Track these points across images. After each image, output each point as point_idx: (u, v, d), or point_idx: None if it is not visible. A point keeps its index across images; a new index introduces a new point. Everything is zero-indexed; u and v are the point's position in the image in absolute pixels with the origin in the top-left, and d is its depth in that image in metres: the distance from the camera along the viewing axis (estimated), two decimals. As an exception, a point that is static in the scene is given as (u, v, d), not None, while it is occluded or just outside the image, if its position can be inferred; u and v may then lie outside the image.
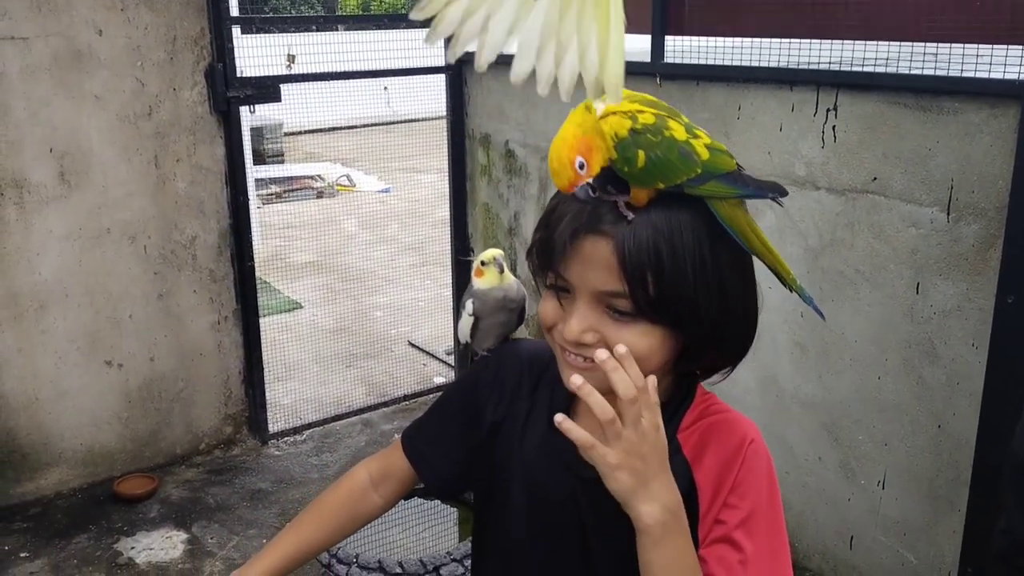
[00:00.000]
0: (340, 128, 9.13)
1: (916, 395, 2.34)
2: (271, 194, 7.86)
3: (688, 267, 0.85)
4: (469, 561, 1.19)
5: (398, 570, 1.74)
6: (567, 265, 0.87)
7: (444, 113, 3.92)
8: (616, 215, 0.85)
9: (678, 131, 0.85)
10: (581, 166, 0.84)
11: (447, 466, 1.12)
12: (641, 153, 0.83)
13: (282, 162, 9.34)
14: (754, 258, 0.91)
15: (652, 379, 0.82)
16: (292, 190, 8.07)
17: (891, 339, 2.36)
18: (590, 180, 0.84)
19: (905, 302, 2.31)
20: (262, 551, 1.12)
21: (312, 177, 8.43)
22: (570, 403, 0.99)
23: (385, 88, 7.77)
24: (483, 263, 1.07)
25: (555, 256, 0.87)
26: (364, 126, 8.58)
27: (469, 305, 1.04)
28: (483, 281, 1.06)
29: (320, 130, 9.91)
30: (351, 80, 3.64)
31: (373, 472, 1.17)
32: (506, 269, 1.07)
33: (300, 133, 10.30)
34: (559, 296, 0.90)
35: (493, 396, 1.07)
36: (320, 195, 8.10)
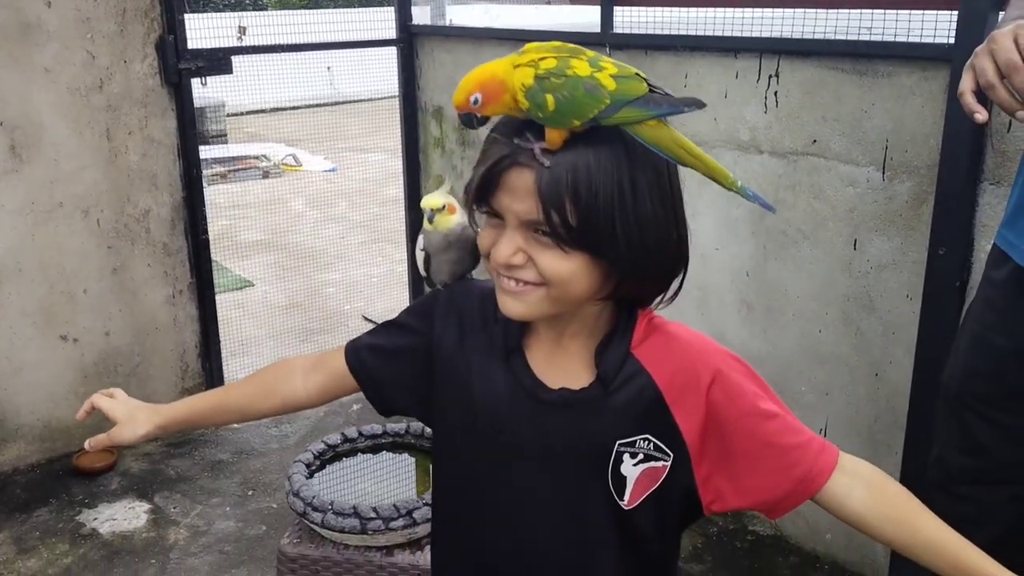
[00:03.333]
0: (283, 108, 9.05)
1: (854, 346, 2.47)
2: (215, 174, 7.78)
3: (604, 196, 0.90)
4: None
5: (372, 514, 1.80)
6: (497, 196, 0.94)
7: (389, 93, 3.93)
8: (540, 149, 0.91)
9: (581, 68, 0.91)
10: (475, 101, 0.92)
11: (386, 379, 1.18)
12: (549, 97, 0.88)
13: (226, 143, 9.23)
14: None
15: None
16: (237, 170, 7.99)
17: (831, 294, 2.49)
18: (476, 114, 0.94)
19: (843, 258, 2.44)
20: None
21: (257, 157, 8.36)
22: (522, 337, 1.06)
23: (328, 68, 7.73)
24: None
25: (487, 188, 0.94)
26: (308, 107, 8.51)
27: (420, 241, 1.15)
28: (428, 224, 1.15)
29: (263, 111, 9.80)
30: (300, 53, 3.65)
31: (307, 362, 1.25)
32: (453, 213, 1.14)
33: (243, 114, 10.16)
34: (494, 225, 0.98)
35: (446, 325, 1.12)
36: (266, 175, 8.05)
